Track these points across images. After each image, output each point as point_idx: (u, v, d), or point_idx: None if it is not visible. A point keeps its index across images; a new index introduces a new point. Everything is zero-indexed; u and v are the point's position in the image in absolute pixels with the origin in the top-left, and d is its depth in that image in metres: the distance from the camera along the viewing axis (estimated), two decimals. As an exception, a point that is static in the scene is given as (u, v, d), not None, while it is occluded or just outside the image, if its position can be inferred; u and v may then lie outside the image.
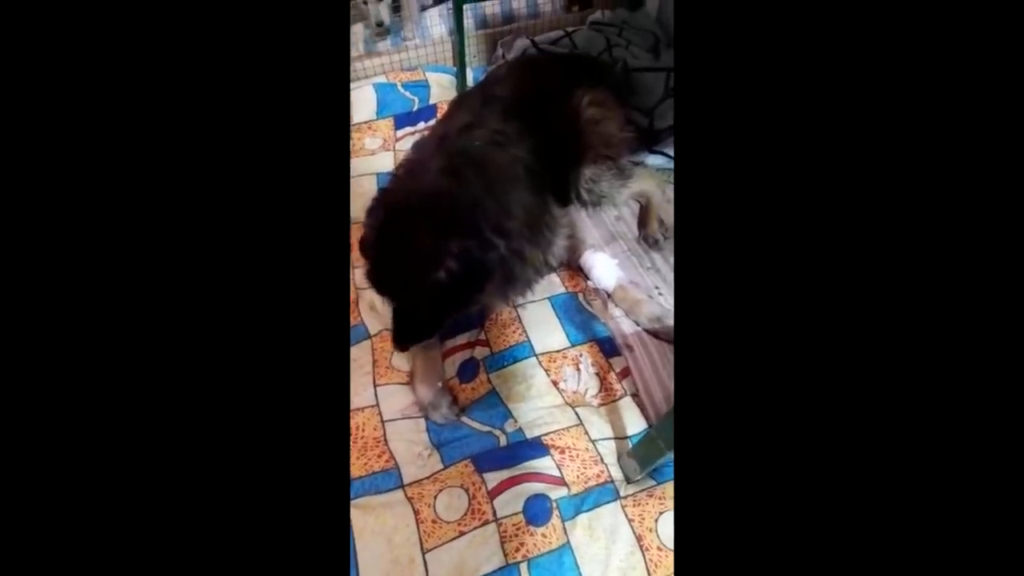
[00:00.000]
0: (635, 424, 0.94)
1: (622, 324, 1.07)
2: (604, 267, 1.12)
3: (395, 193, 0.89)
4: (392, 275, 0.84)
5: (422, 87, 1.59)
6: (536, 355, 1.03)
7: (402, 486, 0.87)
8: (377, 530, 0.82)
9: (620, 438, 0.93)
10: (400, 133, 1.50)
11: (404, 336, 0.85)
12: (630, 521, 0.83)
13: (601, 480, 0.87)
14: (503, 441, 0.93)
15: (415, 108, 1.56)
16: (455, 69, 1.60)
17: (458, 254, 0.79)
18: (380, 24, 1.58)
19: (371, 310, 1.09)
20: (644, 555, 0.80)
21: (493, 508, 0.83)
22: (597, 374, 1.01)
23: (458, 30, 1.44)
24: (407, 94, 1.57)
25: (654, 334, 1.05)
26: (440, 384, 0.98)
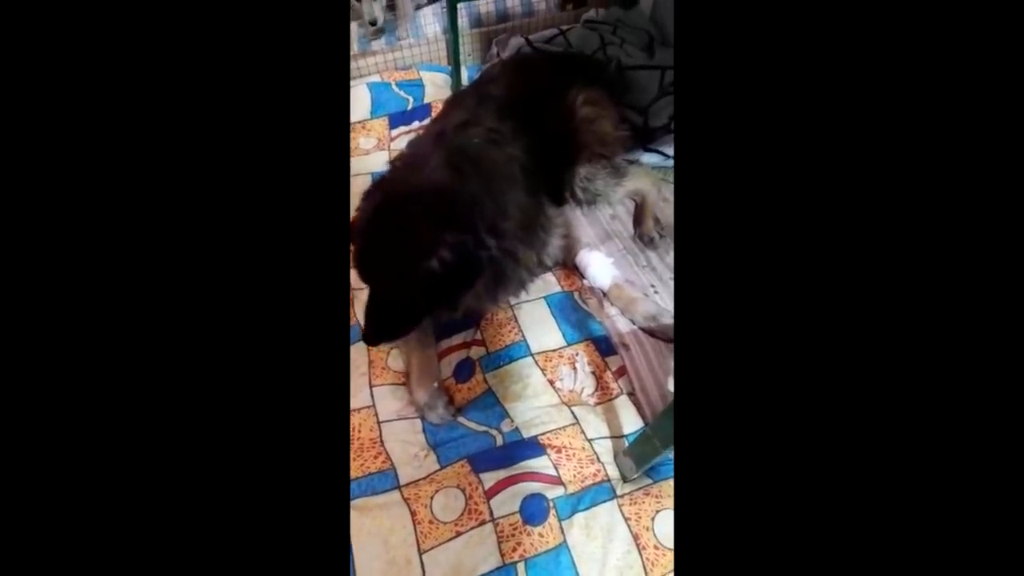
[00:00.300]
0: (631, 423, 0.94)
1: (618, 323, 1.07)
2: (599, 266, 1.12)
3: (394, 182, 0.89)
4: (383, 260, 0.83)
5: (416, 86, 1.59)
6: (532, 354, 1.03)
7: (398, 487, 0.87)
8: (374, 531, 0.82)
9: (616, 437, 0.93)
10: (395, 132, 1.49)
11: (378, 330, 0.83)
12: (627, 520, 0.83)
13: (598, 479, 0.87)
14: (499, 441, 0.93)
15: (410, 107, 1.55)
16: (450, 68, 1.59)
17: (453, 245, 0.78)
18: (373, 23, 1.57)
19: (366, 310, 1.09)
20: (641, 554, 0.80)
21: (490, 508, 0.83)
22: (593, 373, 1.01)
23: (452, 29, 1.43)
24: (401, 93, 1.57)
25: (650, 332, 1.05)
26: (436, 384, 0.97)
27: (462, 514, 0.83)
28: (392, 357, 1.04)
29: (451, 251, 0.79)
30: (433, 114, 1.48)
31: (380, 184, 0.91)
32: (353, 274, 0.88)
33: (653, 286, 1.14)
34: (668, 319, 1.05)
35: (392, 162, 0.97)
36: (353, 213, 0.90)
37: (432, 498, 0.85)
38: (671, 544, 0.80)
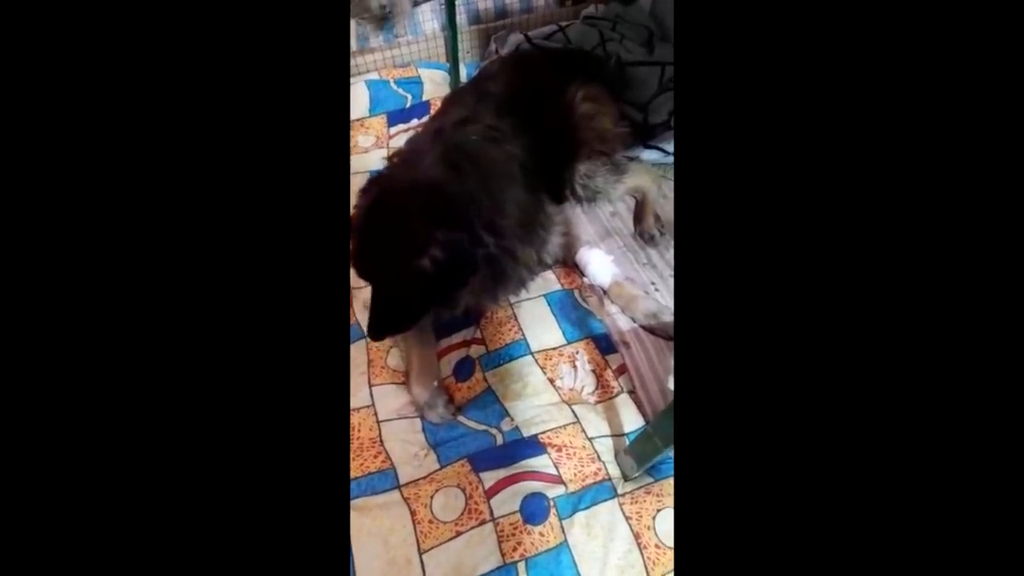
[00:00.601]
0: (632, 421, 0.94)
1: (618, 321, 1.06)
2: (600, 264, 1.12)
3: (390, 178, 0.89)
4: (376, 258, 0.83)
5: (415, 84, 1.58)
6: (532, 353, 1.03)
7: (398, 486, 0.87)
8: (373, 531, 0.81)
9: (617, 435, 0.92)
10: (393, 130, 1.49)
11: (380, 325, 0.83)
12: (628, 519, 0.82)
13: (598, 478, 0.86)
14: (499, 440, 0.92)
15: (408, 105, 1.54)
16: (448, 65, 1.58)
17: (444, 244, 0.78)
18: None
19: (366, 309, 1.08)
20: (642, 553, 0.79)
21: (490, 507, 0.83)
22: (593, 371, 1.00)
23: (451, 25, 1.42)
24: (400, 91, 1.56)
25: (650, 330, 1.04)
26: (436, 383, 0.97)
27: (462, 514, 0.83)
28: (391, 356, 1.03)
29: (443, 249, 0.78)
30: (432, 112, 1.47)
31: (376, 180, 0.91)
32: (352, 272, 0.87)
33: (654, 283, 1.13)
34: (669, 317, 1.04)
35: (389, 159, 0.97)
36: (351, 211, 0.89)
37: (432, 498, 0.85)
38: (672, 543, 0.80)
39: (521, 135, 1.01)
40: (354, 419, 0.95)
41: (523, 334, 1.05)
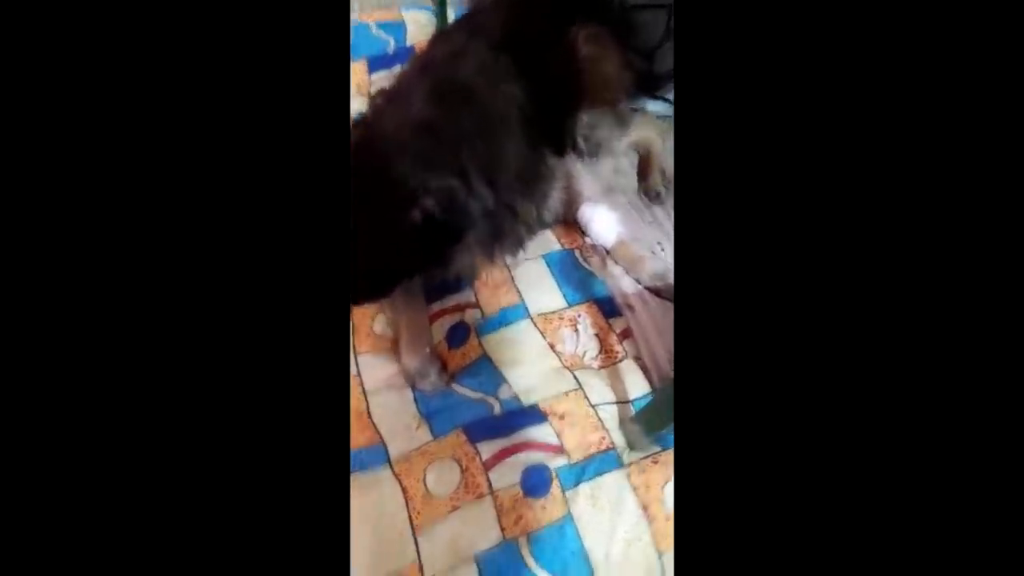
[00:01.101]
0: (638, 387, 0.89)
1: (622, 282, 1.00)
2: (603, 222, 1.05)
3: (375, 120, 0.80)
4: (359, 209, 0.74)
5: (397, 27, 1.44)
6: (531, 317, 0.96)
7: (388, 461, 0.81)
8: (363, 508, 0.76)
9: (622, 402, 0.87)
10: (374, 77, 1.36)
11: (364, 287, 0.76)
12: (635, 489, 0.78)
13: (603, 447, 0.82)
14: (497, 409, 0.87)
15: (391, 50, 1.42)
16: (434, 7, 1.45)
17: (437, 194, 0.70)
18: None
19: (348, 271, 1.00)
20: (651, 525, 0.75)
21: (488, 480, 0.78)
22: (596, 335, 0.95)
23: (437, -41, 1.29)
24: (382, 35, 1.43)
25: (656, 292, 0.99)
26: (427, 350, 0.90)
27: (458, 488, 0.78)
28: (377, 321, 0.96)
29: (435, 200, 0.71)
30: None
31: (358, 124, 0.81)
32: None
33: (660, 243, 1.07)
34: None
35: (372, 98, 0.87)
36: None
37: (425, 471, 0.79)
38: (683, 515, 0.76)
39: (518, 76, 0.92)
40: (338, 389, 0.88)
41: (521, 297, 0.98)
